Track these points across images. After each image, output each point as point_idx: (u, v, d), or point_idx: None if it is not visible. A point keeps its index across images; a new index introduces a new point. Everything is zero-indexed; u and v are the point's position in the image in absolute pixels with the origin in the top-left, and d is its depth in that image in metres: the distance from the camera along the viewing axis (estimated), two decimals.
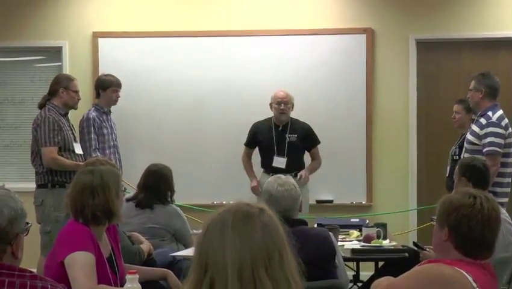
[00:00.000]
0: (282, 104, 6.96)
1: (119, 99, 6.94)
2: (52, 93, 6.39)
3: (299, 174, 6.84)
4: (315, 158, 7.15)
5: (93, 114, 6.76)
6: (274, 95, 7.04)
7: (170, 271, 4.34)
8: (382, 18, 7.76)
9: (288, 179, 4.29)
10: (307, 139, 7.09)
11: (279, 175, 4.41)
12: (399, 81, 7.76)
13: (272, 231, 1.87)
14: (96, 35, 7.87)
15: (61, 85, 6.37)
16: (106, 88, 6.87)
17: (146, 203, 5.56)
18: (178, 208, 5.72)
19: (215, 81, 7.78)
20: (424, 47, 7.80)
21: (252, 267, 1.79)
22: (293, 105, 7.05)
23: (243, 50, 7.79)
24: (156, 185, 5.63)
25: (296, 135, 7.04)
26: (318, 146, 7.15)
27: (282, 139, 7.02)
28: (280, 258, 1.84)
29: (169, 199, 5.67)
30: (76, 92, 6.44)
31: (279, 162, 6.97)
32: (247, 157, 7.22)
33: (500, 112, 6.13)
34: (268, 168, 7.00)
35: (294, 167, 6.87)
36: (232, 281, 1.78)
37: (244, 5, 7.84)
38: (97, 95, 6.95)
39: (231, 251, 1.80)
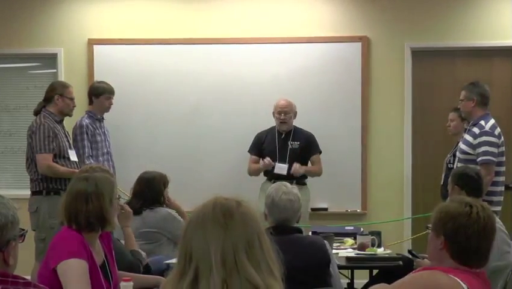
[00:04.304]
0: (283, 114, 7.05)
1: (112, 106, 6.95)
2: (47, 99, 6.39)
3: (293, 165, 6.90)
4: (315, 165, 7.17)
5: (86, 121, 6.75)
6: (276, 104, 7.11)
7: (164, 278, 4.33)
8: (377, 27, 7.77)
9: (293, 189, 4.30)
10: (308, 147, 7.13)
11: (284, 182, 4.43)
12: (394, 89, 7.77)
13: (250, 221, 1.99)
14: (92, 42, 7.86)
15: (56, 92, 6.37)
16: (99, 95, 6.87)
17: (134, 209, 5.57)
18: (172, 210, 5.72)
19: (211, 88, 7.77)
20: (420, 55, 7.81)
21: (234, 254, 1.92)
22: (295, 113, 7.12)
23: (238, 57, 7.79)
24: (144, 191, 5.66)
25: (298, 143, 7.09)
26: (320, 156, 7.19)
27: (284, 146, 7.07)
28: (259, 244, 1.97)
29: (160, 203, 5.68)
30: (72, 99, 6.43)
31: (281, 169, 7.00)
32: (254, 164, 7.22)
33: (493, 121, 6.14)
34: (270, 175, 7.03)
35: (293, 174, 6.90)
36: (217, 267, 1.90)
37: (240, 13, 7.85)
38: (90, 102, 6.94)
39: (213, 242, 1.93)
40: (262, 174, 7.18)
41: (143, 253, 4.81)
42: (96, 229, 3.70)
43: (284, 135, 7.12)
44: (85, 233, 3.66)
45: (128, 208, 5.02)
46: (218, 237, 1.93)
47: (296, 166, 6.94)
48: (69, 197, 3.73)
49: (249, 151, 7.27)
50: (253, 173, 7.21)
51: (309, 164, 7.17)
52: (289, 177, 6.64)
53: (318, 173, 7.19)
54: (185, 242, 1.97)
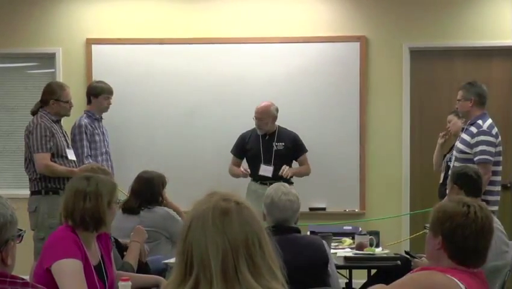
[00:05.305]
0: (257, 120, 7.01)
1: (111, 105, 6.94)
2: (44, 101, 6.37)
3: (282, 168, 6.86)
4: (303, 165, 7.16)
5: (85, 120, 6.74)
6: (256, 108, 7.06)
7: (163, 278, 4.33)
8: (376, 27, 7.77)
9: (292, 189, 4.31)
10: (294, 148, 7.10)
11: (283, 183, 4.44)
12: (392, 89, 7.77)
13: (249, 223, 1.96)
14: (90, 42, 7.86)
15: (51, 97, 6.30)
16: (98, 95, 6.86)
17: (132, 208, 5.58)
18: (170, 210, 5.73)
19: (208, 88, 7.77)
20: (418, 55, 7.81)
21: (234, 260, 1.89)
22: (273, 117, 7.05)
23: (237, 57, 7.78)
24: (142, 190, 5.68)
25: (283, 144, 7.05)
26: (307, 155, 7.16)
27: (269, 148, 7.03)
28: (260, 246, 1.94)
29: (157, 203, 5.69)
30: (67, 102, 6.39)
31: (266, 170, 6.97)
32: (234, 166, 7.21)
33: (490, 120, 6.15)
34: (256, 177, 7.02)
35: (280, 175, 6.85)
36: (216, 278, 1.87)
37: (239, 13, 7.85)
38: (89, 102, 6.92)
39: (212, 246, 1.89)
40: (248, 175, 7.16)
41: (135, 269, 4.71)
42: (90, 229, 3.71)
43: (267, 136, 7.08)
44: (80, 232, 3.67)
45: (143, 229, 4.96)
46: (218, 242, 1.89)
47: (286, 168, 6.89)
48: (69, 193, 3.77)
49: (231, 151, 7.25)
50: (233, 176, 7.16)
51: (294, 164, 7.13)
52: (274, 179, 6.57)
53: (307, 173, 7.16)
54: (185, 246, 1.94)
